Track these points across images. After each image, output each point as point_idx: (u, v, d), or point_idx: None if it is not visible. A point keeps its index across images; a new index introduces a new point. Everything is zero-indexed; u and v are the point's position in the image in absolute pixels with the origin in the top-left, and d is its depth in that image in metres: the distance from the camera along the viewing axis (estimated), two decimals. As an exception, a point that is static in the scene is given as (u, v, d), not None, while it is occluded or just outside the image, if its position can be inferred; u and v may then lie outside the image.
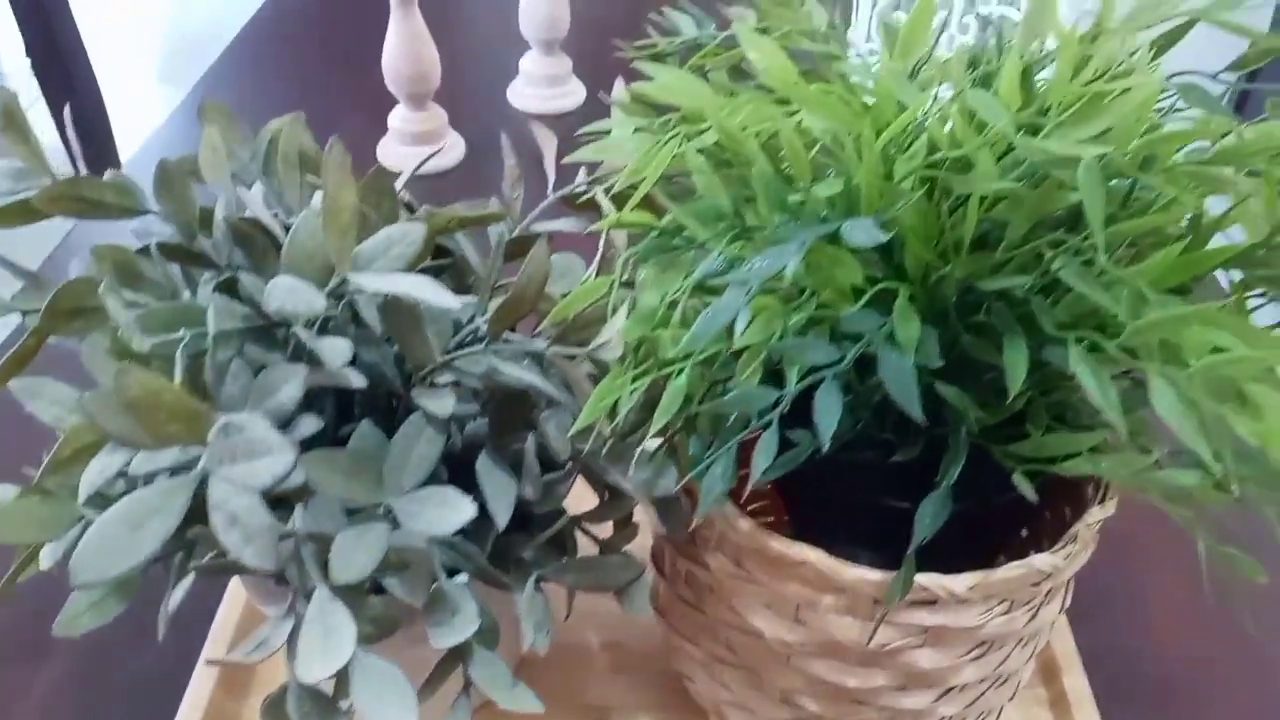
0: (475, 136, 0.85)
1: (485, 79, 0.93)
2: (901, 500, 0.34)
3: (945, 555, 0.34)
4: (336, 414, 0.35)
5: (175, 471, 0.28)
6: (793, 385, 0.27)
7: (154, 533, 0.24)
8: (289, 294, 0.28)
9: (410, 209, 0.41)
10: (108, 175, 0.36)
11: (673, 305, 0.28)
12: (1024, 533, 0.42)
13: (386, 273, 0.30)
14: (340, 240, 0.29)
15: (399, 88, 0.77)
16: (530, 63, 0.88)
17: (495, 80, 0.92)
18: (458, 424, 0.33)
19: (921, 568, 0.33)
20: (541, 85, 0.88)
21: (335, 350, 0.29)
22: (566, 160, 0.39)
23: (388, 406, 0.36)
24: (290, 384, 0.28)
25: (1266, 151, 0.29)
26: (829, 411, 0.26)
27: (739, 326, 0.25)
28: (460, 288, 0.39)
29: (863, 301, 0.30)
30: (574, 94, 0.90)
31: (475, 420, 0.34)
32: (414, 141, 0.80)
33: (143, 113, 1.86)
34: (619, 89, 0.41)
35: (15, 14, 1.32)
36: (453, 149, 0.82)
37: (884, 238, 0.26)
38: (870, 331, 0.29)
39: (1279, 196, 0.30)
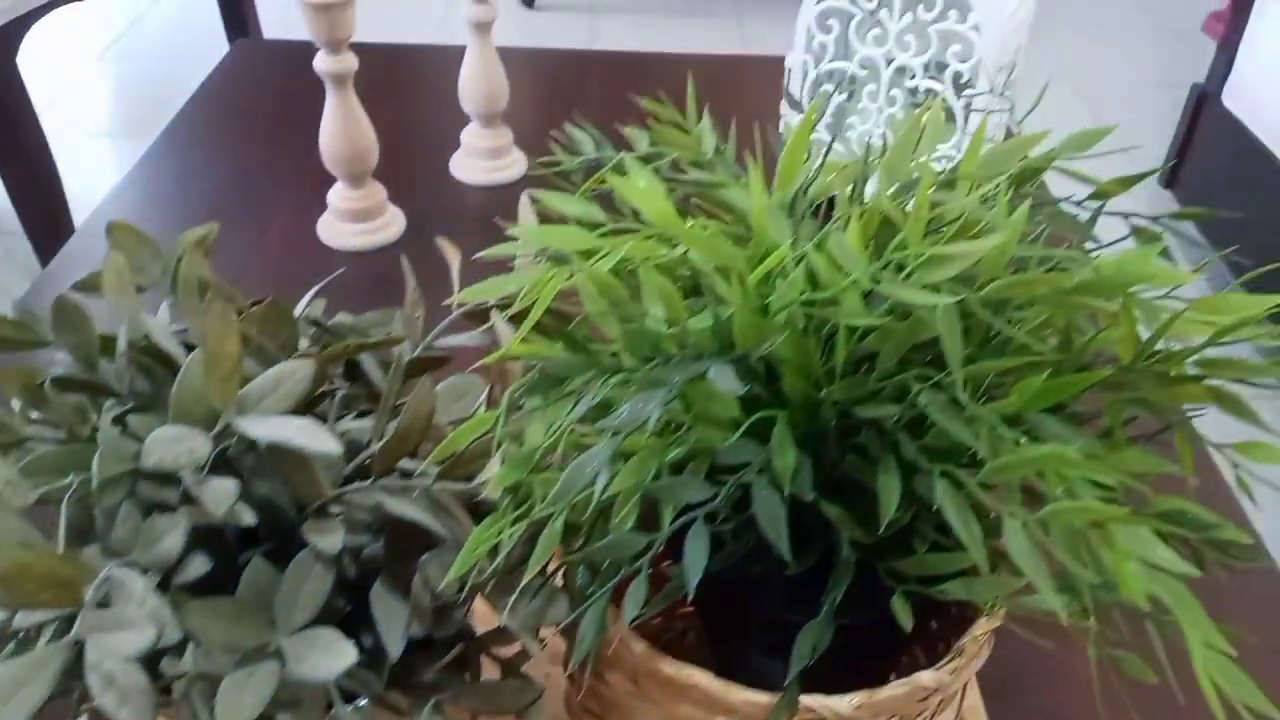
0: (417, 209, 0.85)
1: (427, 151, 0.93)
2: (800, 614, 0.34)
3: (847, 665, 0.35)
4: (243, 535, 0.36)
5: (58, 624, 0.28)
6: (666, 527, 0.28)
7: (23, 703, 0.25)
8: (170, 445, 0.29)
9: (318, 325, 0.41)
10: (11, 311, 0.36)
11: (551, 448, 0.28)
12: (933, 624, 0.42)
13: (272, 414, 0.31)
14: (223, 387, 0.30)
15: (336, 167, 0.78)
16: (471, 135, 0.89)
17: (437, 152, 0.93)
18: (353, 554, 0.34)
19: (824, 678, 0.34)
20: (483, 157, 0.89)
21: (219, 496, 0.29)
22: (481, 255, 0.39)
23: (292, 531, 0.36)
24: (173, 533, 0.29)
25: (1122, 284, 0.30)
26: (697, 555, 0.27)
27: (599, 484, 0.26)
28: (361, 413, 0.39)
29: (740, 432, 0.31)
30: (516, 165, 0.91)
31: (372, 545, 0.35)
32: (353, 219, 0.80)
33: (105, 166, 1.87)
34: (525, 206, 0.42)
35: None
36: (392, 224, 0.82)
37: (741, 390, 0.27)
38: (749, 461, 0.30)
39: (1136, 322, 0.31)
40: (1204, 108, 1.70)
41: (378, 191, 0.81)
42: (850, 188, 0.37)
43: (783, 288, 0.30)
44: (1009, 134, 0.91)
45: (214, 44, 1.94)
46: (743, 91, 1.06)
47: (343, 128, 0.76)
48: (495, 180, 0.89)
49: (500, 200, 0.89)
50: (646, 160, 0.38)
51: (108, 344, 0.38)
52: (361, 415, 0.40)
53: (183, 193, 0.89)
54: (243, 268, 0.79)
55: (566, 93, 1.07)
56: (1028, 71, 2.41)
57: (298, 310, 0.40)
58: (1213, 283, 1.67)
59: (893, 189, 0.32)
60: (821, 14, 0.78)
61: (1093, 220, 0.35)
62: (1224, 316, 0.30)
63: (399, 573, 0.33)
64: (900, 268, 0.30)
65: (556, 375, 0.30)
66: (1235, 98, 1.63)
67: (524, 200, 0.42)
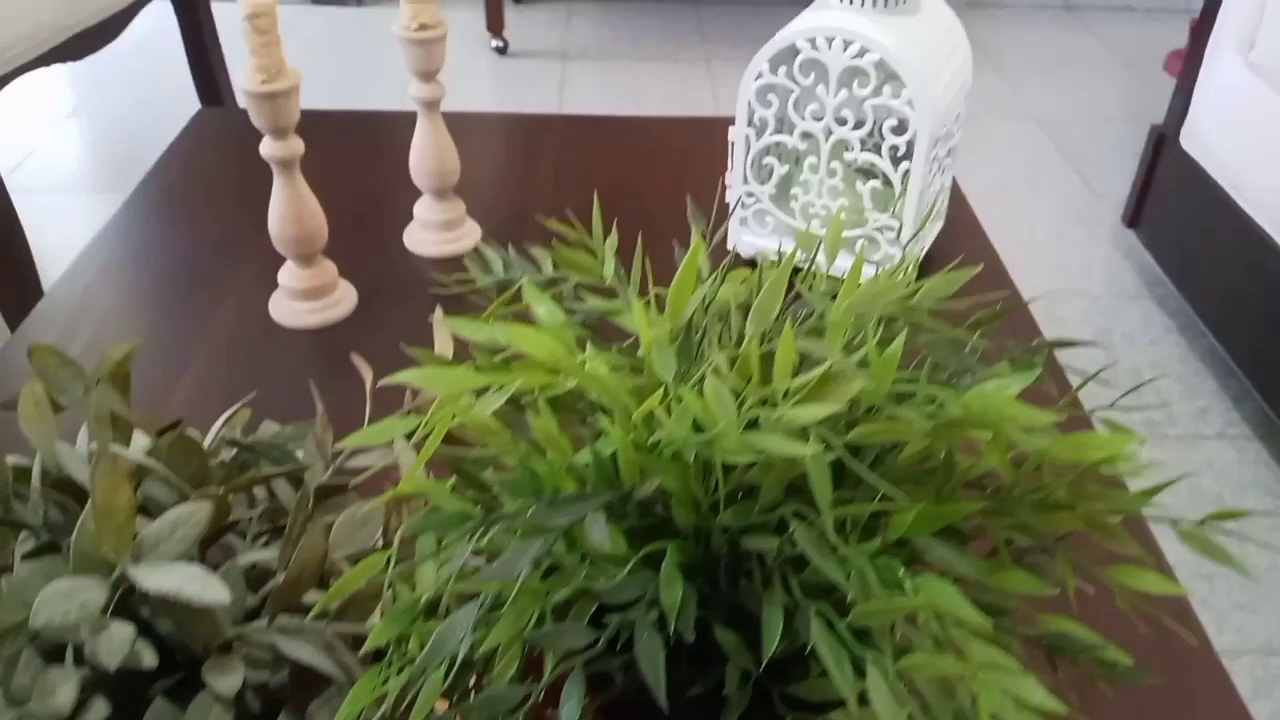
0: (370, 281, 0.86)
1: (380, 222, 0.95)
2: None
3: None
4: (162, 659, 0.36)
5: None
6: (548, 674, 0.29)
7: None
8: (61, 601, 0.29)
9: (236, 444, 0.42)
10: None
11: (433, 605, 0.29)
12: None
13: (169, 559, 0.31)
14: (116, 538, 0.30)
15: (285, 249, 0.79)
16: (423, 209, 0.90)
17: (390, 223, 0.94)
18: (257, 688, 0.34)
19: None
20: (435, 230, 0.90)
21: (114, 646, 0.30)
22: (384, 382, 0.40)
23: (199, 663, 0.36)
24: (66, 687, 0.29)
25: (985, 423, 0.31)
26: (573, 708, 0.28)
27: (464, 647, 0.27)
28: (275, 528, 0.40)
29: (628, 569, 0.31)
30: (469, 236, 0.92)
31: (277, 676, 0.35)
32: (303, 297, 0.81)
33: (75, 223, 1.87)
34: (438, 322, 0.43)
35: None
36: (342, 301, 0.83)
37: (607, 546, 0.27)
38: (635, 597, 0.31)
39: (1008, 453, 0.32)
40: (1162, 148, 1.73)
41: (328, 270, 0.82)
42: (744, 309, 0.38)
43: (669, 425, 0.31)
44: (954, 192, 0.93)
45: (185, 99, 1.96)
46: (695, 152, 1.08)
47: (291, 210, 0.77)
48: (448, 252, 0.90)
49: (454, 269, 0.90)
50: (553, 283, 0.39)
51: (23, 474, 0.38)
52: (279, 532, 0.41)
53: (140, 265, 0.90)
54: (195, 343, 0.80)
55: (522, 157, 1.08)
56: (992, 108, 2.44)
57: (215, 429, 0.41)
58: (1186, 333, 1.69)
59: (764, 329, 0.33)
60: (760, 89, 0.79)
61: (974, 352, 0.36)
62: (1093, 451, 0.31)
63: (303, 705, 0.34)
64: (777, 402, 0.31)
65: (445, 516, 0.30)
66: (1191, 139, 1.66)
67: (437, 315, 0.43)
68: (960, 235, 0.94)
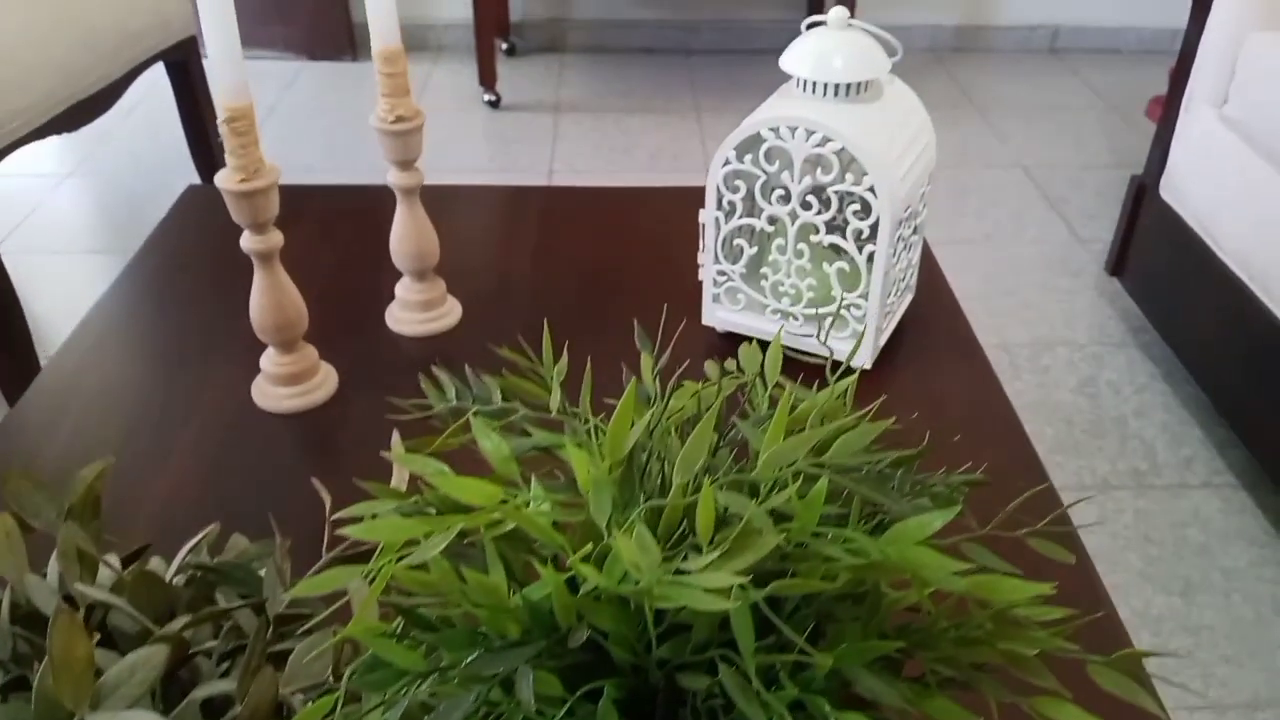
0: (352, 361, 0.88)
1: (362, 301, 0.96)
2: None
3: None
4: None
5: None
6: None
7: None
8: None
9: (201, 568, 0.43)
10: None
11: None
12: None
13: (127, 703, 0.33)
14: (74, 690, 0.32)
15: (265, 336, 0.81)
16: (404, 289, 0.92)
17: (372, 302, 0.96)
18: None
19: None
20: (416, 310, 0.92)
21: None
22: (339, 515, 0.42)
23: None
24: (22, 837, 0.30)
25: (905, 567, 0.32)
26: None
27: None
28: (240, 646, 0.41)
29: (564, 709, 0.33)
30: (450, 314, 0.94)
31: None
32: (284, 383, 0.83)
33: (73, 283, 1.90)
34: (396, 444, 0.44)
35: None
36: (324, 385, 0.85)
37: (533, 705, 0.29)
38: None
39: (927, 591, 0.34)
40: (1143, 198, 1.75)
41: (309, 355, 0.84)
42: (688, 426, 0.40)
43: (597, 577, 0.32)
44: (924, 256, 0.95)
45: (182, 158, 2.00)
46: (674, 221, 1.10)
47: (271, 300, 0.79)
48: (429, 331, 0.92)
49: (435, 348, 0.92)
50: (503, 413, 0.41)
51: (-8, 607, 0.40)
52: (242, 650, 0.42)
53: (129, 345, 0.92)
54: (180, 425, 0.81)
55: (504, 231, 1.10)
56: (979, 155, 2.47)
57: (180, 555, 0.42)
58: (1170, 379, 1.70)
59: (689, 477, 0.34)
60: (728, 175, 0.82)
61: (902, 485, 0.37)
62: (1007, 594, 0.32)
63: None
64: (699, 549, 0.32)
65: (386, 670, 0.32)
66: (1170, 189, 1.68)
67: (395, 437, 0.44)
68: (932, 303, 0.96)
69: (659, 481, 0.39)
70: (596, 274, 1.02)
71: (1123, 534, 1.40)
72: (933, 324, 0.94)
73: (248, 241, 0.76)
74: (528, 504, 0.37)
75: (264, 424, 0.83)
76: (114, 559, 0.43)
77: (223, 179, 0.73)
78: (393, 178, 0.86)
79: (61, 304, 1.91)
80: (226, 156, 0.73)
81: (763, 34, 3.01)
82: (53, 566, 0.43)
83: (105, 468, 0.47)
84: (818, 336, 0.83)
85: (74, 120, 1.51)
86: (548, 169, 2.39)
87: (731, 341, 0.90)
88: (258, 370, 0.85)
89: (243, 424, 0.82)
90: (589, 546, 0.32)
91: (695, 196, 1.07)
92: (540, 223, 1.12)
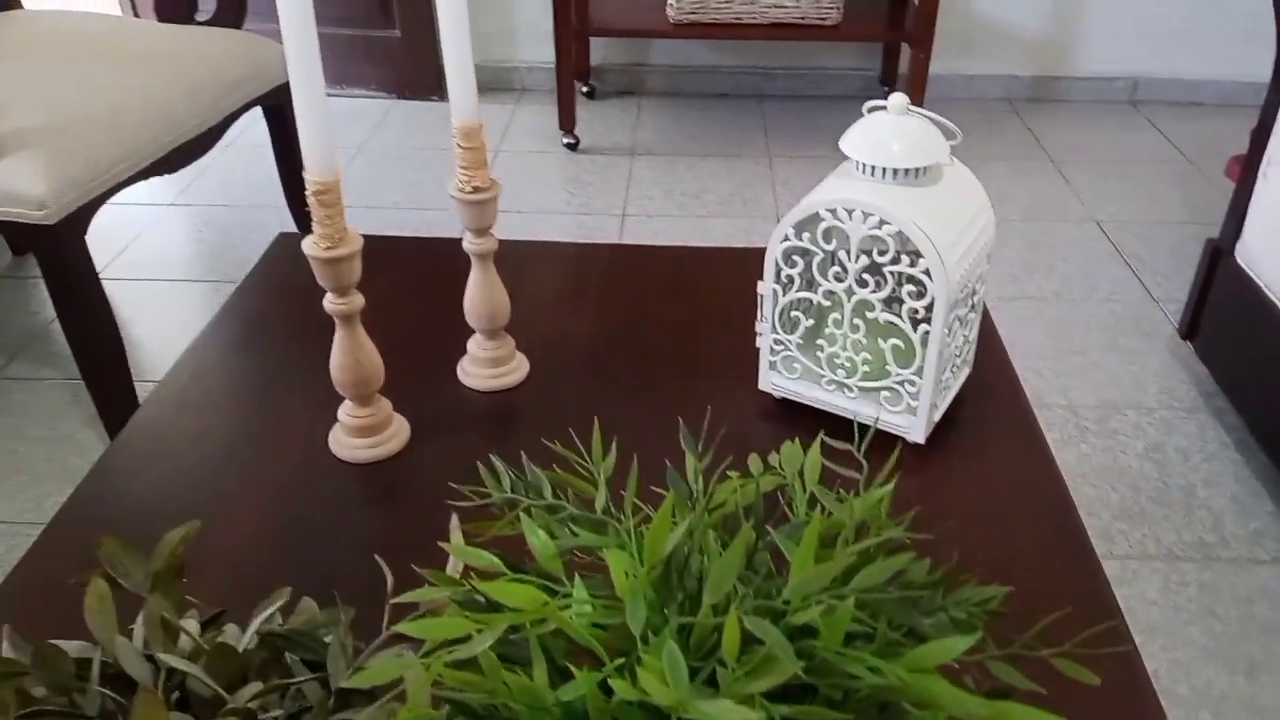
0: (424, 413, 0.92)
1: (436, 354, 1.01)
2: None
3: None
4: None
5: None
6: None
7: None
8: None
9: (272, 635, 0.47)
10: (3, 649, 0.42)
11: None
12: None
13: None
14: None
15: (343, 390, 0.85)
16: (475, 345, 0.97)
17: (444, 358, 1.00)
18: None
19: None
20: (486, 365, 0.96)
21: None
22: (398, 599, 0.45)
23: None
24: None
25: (923, 697, 0.34)
26: None
27: None
28: (303, 709, 0.45)
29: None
30: (517, 370, 0.98)
31: None
32: (360, 434, 0.87)
33: (170, 310, 2.00)
34: (455, 527, 0.48)
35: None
36: (396, 436, 0.89)
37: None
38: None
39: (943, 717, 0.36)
40: (1218, 261, 1.73)
41: (384, 408, 0.88)
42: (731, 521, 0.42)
43: (629, 690, 0.35)
44: (985, 327, 0.96)
45: (273, 194, 2.09)
46: (731, 284, 1.12)
47: (350, 358, 0.83)
48: (496, 386, 0.96)
49: (502, 402, 0.96)
50: (552, 509, 0.44)
51: (85, 665, 0.44)
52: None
53: (216, 391, 0.98)
54: (260, 469, 0.86)
55: (571, 289, 1.14)
56: (1051, 208, 2.45)
57: (254, 624, 0.46)
58: (1242, 449, 1.67)
59: (719, 598, 0.37)
60: (787, 251, 0.84)
61: (931, 599, 0.39)
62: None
63: None
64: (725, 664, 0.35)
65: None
66: (1246, 254, 1.65)
67: (454, 521, 0.48)
68: (991, 375, 0.97)
69: (697, 577, 0.42)
70: (658, 332, 1.05)
71: (1186, 608, 1.38)
72: (990, 398, 0.95)
73: (330, 304, 0.81)
74: (569, 598, 0.40)
75: (338, 472, 0.87)
76: (193, 624, 0.47)
77: (309, 246, 0.78)
78: (468, 243, 0.91)
79: (155, 329, 2.00)
80: (313, 225, 0.78)
81: (836, 81, 3.04)
82: (138, 628, 0.48)
83: (189, 533, 0.52)
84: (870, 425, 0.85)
85: (175, 162, 1.60)
86: (621, 210, 2.44)
87: (786, 407, 0.92)
88: (335, 419, 0.89)
89: (319, 471, 0.87)
90: (622, 661, 0.35)
91: (757, 259, 1.09)
92: (607, 279, 1.15)
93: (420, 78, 2.96)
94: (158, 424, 0.94)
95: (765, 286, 0.87)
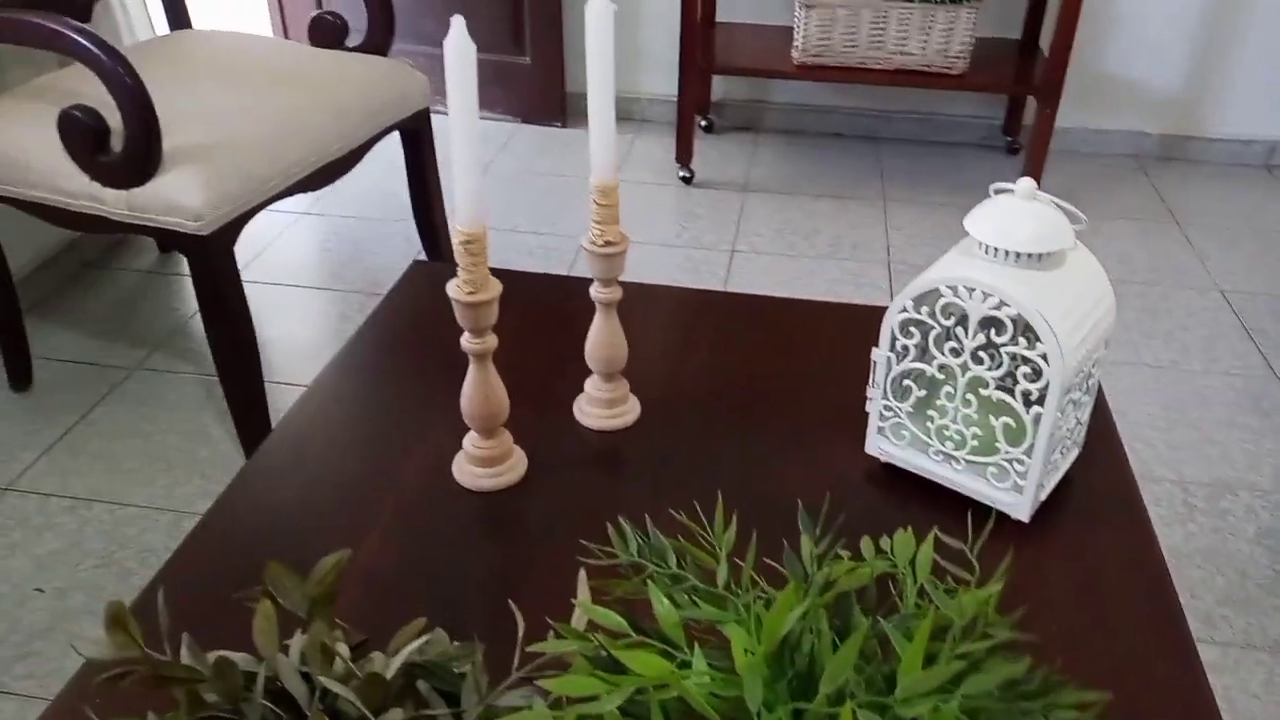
0: (541, 450, 0.97)
1: (554, 393, 1.06)
2: None
3: None
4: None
5: None
6: None
7: None
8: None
9: (413, 666, 0.52)
10: (183, 655, 0.48)
11: None
12: None
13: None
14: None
15: (471, 423, 0.91)
16: (592, 385, 1.01)
17: (562, 395, 1.05)
18: None
19: None
20: (601, 406, 1.01)
21: None
22: (531, 648, 0.49)
23: None
24: None
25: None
26: None
27: None
28: (438, 743, 0.49)
29: None
30: (630, 412, 1.02)
31: None
32: (482, 464, 0.92)
33: (298, 314, 2.11)
34: (582, 582, 0.52)
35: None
36: (516, 468, 0.94)
37: None
38: None
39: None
40: (1350, 345, 1.67)
41: (506, 440, 0.93)
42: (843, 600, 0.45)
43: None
44: (1098, 406, 0.96)
45: (402, 211, 2.19)
46: (844, 341, 1.14)
47: (480, 394, 0.89)
48: (610, 426, 1.00)
49: (614, 442, 1.00)
50: (675, 579, 0.47)
51: (252, 679, 0.49)
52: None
53: (349, 412, 1.05)
54: (387, 493, 0.92)
55: (684, 335, 1.18)
56: (1174, 273, 2.39)
57: (399, 657, 0.51)
58: (1352, 530, 1.61)
59: (833, 688, 0.40)
60: (904, 322, 0.86)
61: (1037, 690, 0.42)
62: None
63: None
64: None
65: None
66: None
67: (582, 576, 0.52)
68: (1100, 455, 0.97)
69: (808, 656, 0.45)
70: (768, 383, 1.08)
71: None
72: (1096, 475, 0.95)
73: (467, 343, 0.86)
74: (688, 665, 0.43)
75: (460, 498, 0.93)
76: (344, 648, 0.52)
77: (453, 289, 0.84)
78: (595, 291, 0.95)
79: (285, 332, 2.12)
80: (458, 269, 0.83)
81: (957, 128, 3.02)
82: (294, 647, 0.53)
83: (342, 560, 0.57)
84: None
85: (317, 182, 1.70)
86: (730, 246, 2.47)
87: (891, 471, 0.94)
88: (460, 448, 0.95)
89: (442, 496, 0.93)
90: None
91: (870, 318, 1.11)
92: (720, 327, 1.19)
93: (546, 104, 3.05)
94: (293, 442, 1.01)
95: (880, 354, 0.90)
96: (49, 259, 2.24)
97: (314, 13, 2.02)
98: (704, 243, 2.50)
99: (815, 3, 2.51)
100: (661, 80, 3.07)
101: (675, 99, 2.75)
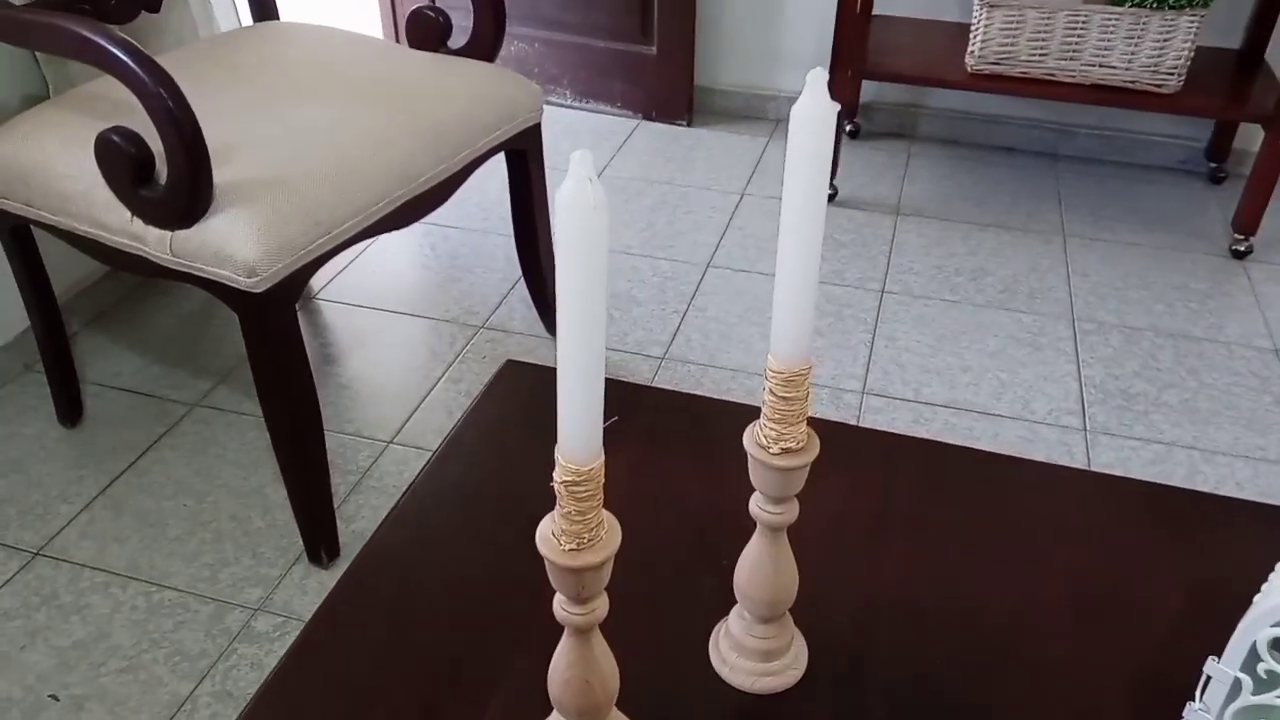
0: (656, 713, 0.67)
1: (678, 612, 0.75)
2: None
3: None
4: None
5: None
6: None
7: None
8: None
9: None
10: None
11: None
12: None
13: None
14: None
15: (560, 710, 0.61)
16: (742, 626, 0.70)
17: (696, 621, 0.74)
18: None
19: None
20: (754, 658, 0.70)
21: None
22: None
23: None
24: None
25: None
26: None
27: None
28: None
29: None
30: (795, 665, 0.71)
31: None
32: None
33: (368, 339, 1.84)
34: None
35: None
36: (624, 764, 0.64)
37: None
38: None
39: None
40: None
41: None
42: None
43: None
44: None
45: (503, 236, 1.90)
46: (1139, 562, 0.80)
47: (579, 678, 0.58)
48: (765, 688, 0.69)
49: (771, 712, 0.69)
50: None
51: None
52: None
53: (437, 541, 0.76)
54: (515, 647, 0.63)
55: (878, 510, 0.85)
56: None
57: None
58: None
59: None
60: (1275, 640, 0.53)
61: None
62: None
63: None
64: None
65: None
66: None
67: None
68: None
69: None
70: (1015, 618, 0.74)
71: None
72: None
73: (562, 609, 0.56)
74: None
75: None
76: None
77: (545, 543, 0.53)
78: (759, 508, 0.64)
79: (366, 369, 1.86)
80: (557, 513, 0.53)
81: (1151, 148, 2.58)
82: None
83: None
84: None
85: (401, 219, 1.41)
86: (880, 285, 2.12)
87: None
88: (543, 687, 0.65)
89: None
90: None
91: (1178, 531, 0.75)
92: (933, 498, 0.85)
93: (671, 100, 2.71)
94: (376, 575, 0.73)
95: (1220, 669, 0.56)
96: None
97: (415, 5, 1.73)
98: (848, 279, 2.14)
99: (1000, 1, 2.10)
100: (802, 76, 2.69)
101: (821, 104, 2.37)
